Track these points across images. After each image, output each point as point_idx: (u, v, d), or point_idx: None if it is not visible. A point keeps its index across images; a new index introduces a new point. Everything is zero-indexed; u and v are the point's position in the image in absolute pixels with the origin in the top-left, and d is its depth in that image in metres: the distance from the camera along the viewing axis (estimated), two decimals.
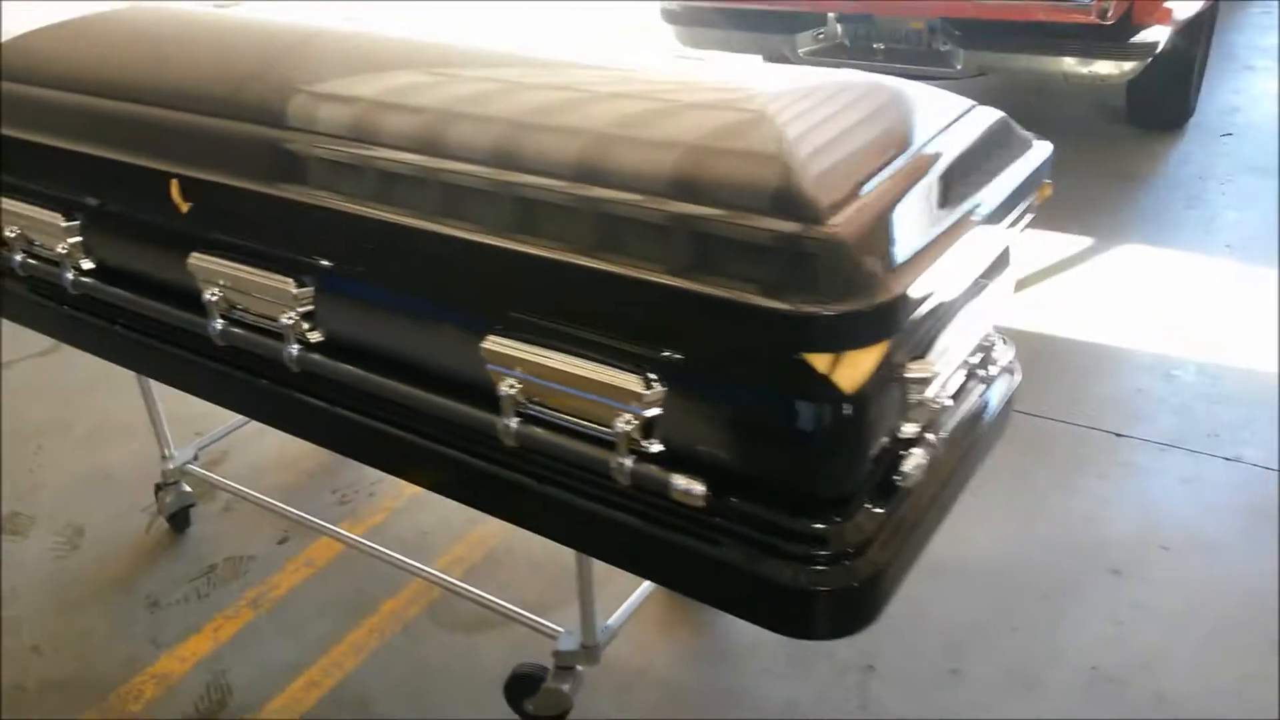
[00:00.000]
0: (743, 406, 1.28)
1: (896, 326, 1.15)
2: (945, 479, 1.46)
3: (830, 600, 1.30)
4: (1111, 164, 4.55)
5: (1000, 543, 2.39)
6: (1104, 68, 3.71)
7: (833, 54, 4.19)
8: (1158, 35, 3.70)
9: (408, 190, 1.43)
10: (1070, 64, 3.75)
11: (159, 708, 2.08)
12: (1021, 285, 3.59)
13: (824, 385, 1.14)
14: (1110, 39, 3.66)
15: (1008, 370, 1.66)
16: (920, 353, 1.33)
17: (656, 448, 1.32)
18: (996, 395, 1.62)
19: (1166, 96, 4.65)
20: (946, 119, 1.43)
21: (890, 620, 2.13)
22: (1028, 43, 3.80)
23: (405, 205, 1.42)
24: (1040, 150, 1.50)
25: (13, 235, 2.05)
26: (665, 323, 1.25)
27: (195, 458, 2.51)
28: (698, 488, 1.29)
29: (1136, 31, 3.67)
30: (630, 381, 1.29)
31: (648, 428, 1.32)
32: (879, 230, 1.18)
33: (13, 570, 2.50)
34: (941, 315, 1.37)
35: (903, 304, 1.14)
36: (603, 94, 1.49)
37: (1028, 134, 1.54)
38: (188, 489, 2.56)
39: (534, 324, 1.37)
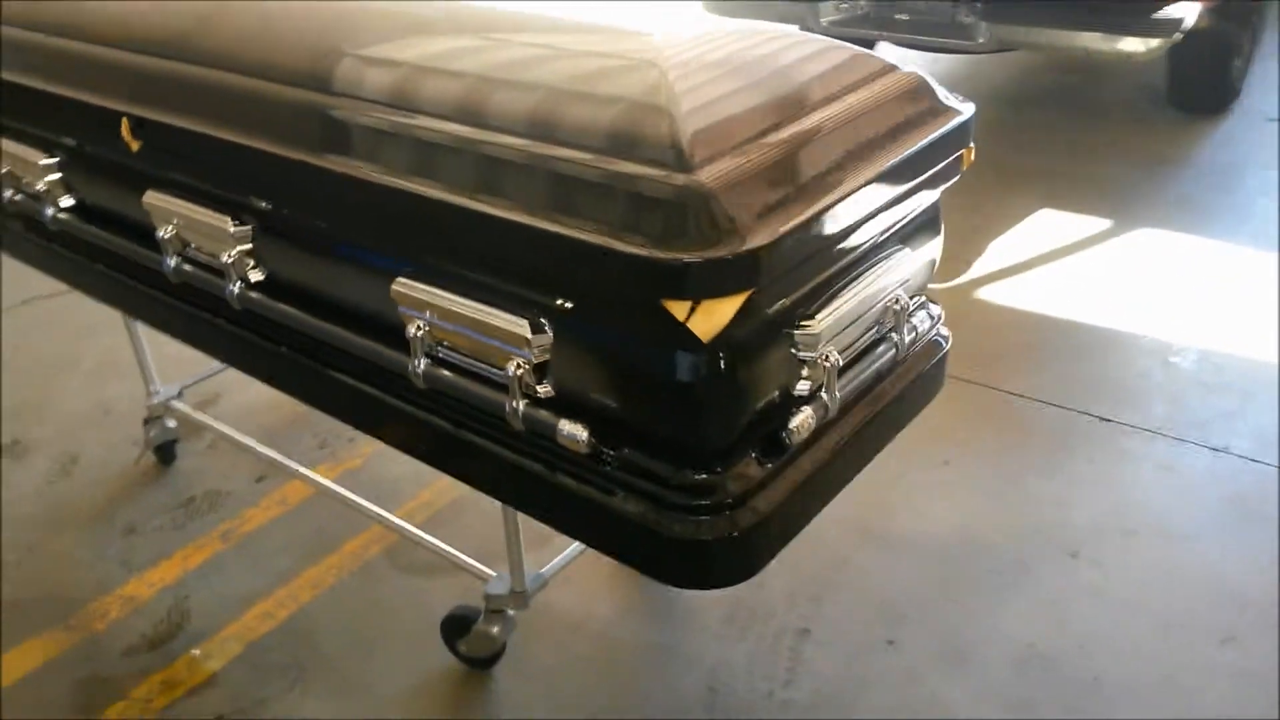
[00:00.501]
0: (622, 355, 1.30)
1: (756, 278, 1.15)
2: (848, 438, 1.46)
3: (711, 549, 1.31)
4: (1147, 147, 4.42)
5: (962, 520, 2.37)
6: (1130, 44, 3.60)
7: (856, 24, 4.13)
8: (1185, 12, 3.57)
9: (318, 131, 1.47)
10: (1094, 39, 3.65)
11: (121, 627, 2.18)
12: (1031, 265, 3.53)
13: (684, 334, 1.15)
14: (1135, 14, 3.55)
15: (936, 337, 1.65)
16: (811, 312, 1.33)
17: (545, 391, 1.35)
18: (919, 359, 1.61)
19: (1207, 78, 4.49)
20: (854, 78, 1.42)
21: (833, 588, 2.16)
22: (1051, 17, 3.70)
23: (315, 146, 1.46)
24: (956, 115, 1.48)
25: (2, 172, 2.14)
26: (548, 268, 1.27)
27: (180, 394, 2.60)
28: (581, 433, 1.31)
29: (1161, 6, 3.55)
30: (519, 325, 1.31)
31: (539, 372, 1.34)
32: (749, 183, 1.18)
33: (7, 490, 2.62)
34: (835, 275, 1.36)
35: (766, 257, 1.14)
36: (502, 39, 1.52)
37: (950, 99, 1.52)
38: (172, 424, 2.65)
39: (439, 268, 1.41)
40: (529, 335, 1.31)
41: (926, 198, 1.53)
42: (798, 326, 1.31)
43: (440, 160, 1.33)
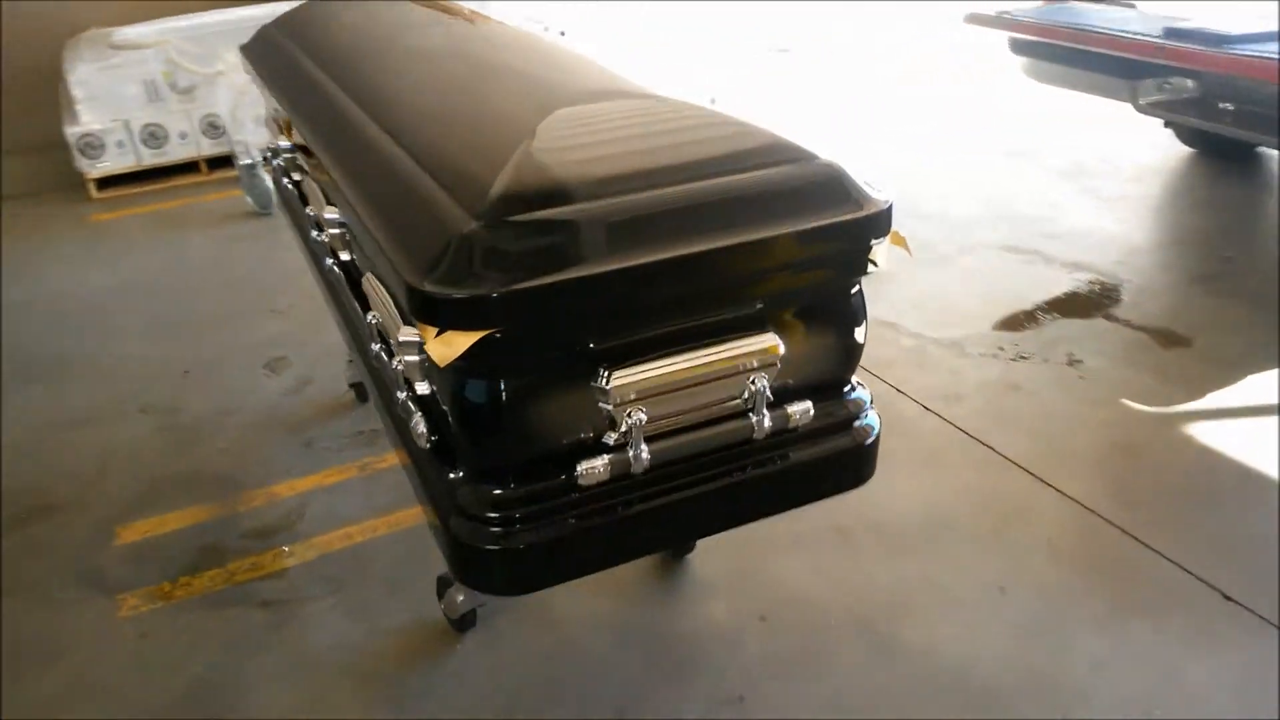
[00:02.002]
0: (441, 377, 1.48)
1: (487, 318, 1.27)
2: (668, 503, 1.51)
3: (488, 556, 1.46)
4: None
5: (970, 652, 2.17)
6: None
7: (1176, 109, 3.72)
8: None
9: None
10: None
11: (254, 514, 2.72)
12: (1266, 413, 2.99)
13: (427, 355, 1.32)
14: None
15: (832, 427, 1.62)
16: (617, 367, 1.41)
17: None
18: (806, 446, 1.60)
19: None
20: (741, 160, 1.46)
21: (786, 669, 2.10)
22: None
23: None
24: (853, 209, 1.45)
25: None
26: None
27: None
28: (421, 428, 1.53)
29: None
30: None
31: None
32: (521, 239, 1.31)
33: (257, 395, 3.32)
34: (659, 340, 1.43)
35: (500, 303, 1.27)
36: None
37: (868, 192, 1.49)
38: None
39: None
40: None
41: (819, 285, 1.53)
42: (598, 376, 1.41)
43: None
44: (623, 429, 1.43)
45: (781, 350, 1.51)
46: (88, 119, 5.24)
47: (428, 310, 1.30)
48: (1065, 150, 5.30)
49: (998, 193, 4.79)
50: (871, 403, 1.71)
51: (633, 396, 1.41)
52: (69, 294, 4.24)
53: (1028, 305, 3.67)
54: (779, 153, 1.50)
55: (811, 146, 1.52)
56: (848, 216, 1.45)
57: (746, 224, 1.41)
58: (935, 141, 5.64)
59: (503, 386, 1.38)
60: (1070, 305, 3.67)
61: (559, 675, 2.15)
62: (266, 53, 2.67)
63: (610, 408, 1.41)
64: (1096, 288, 3.78)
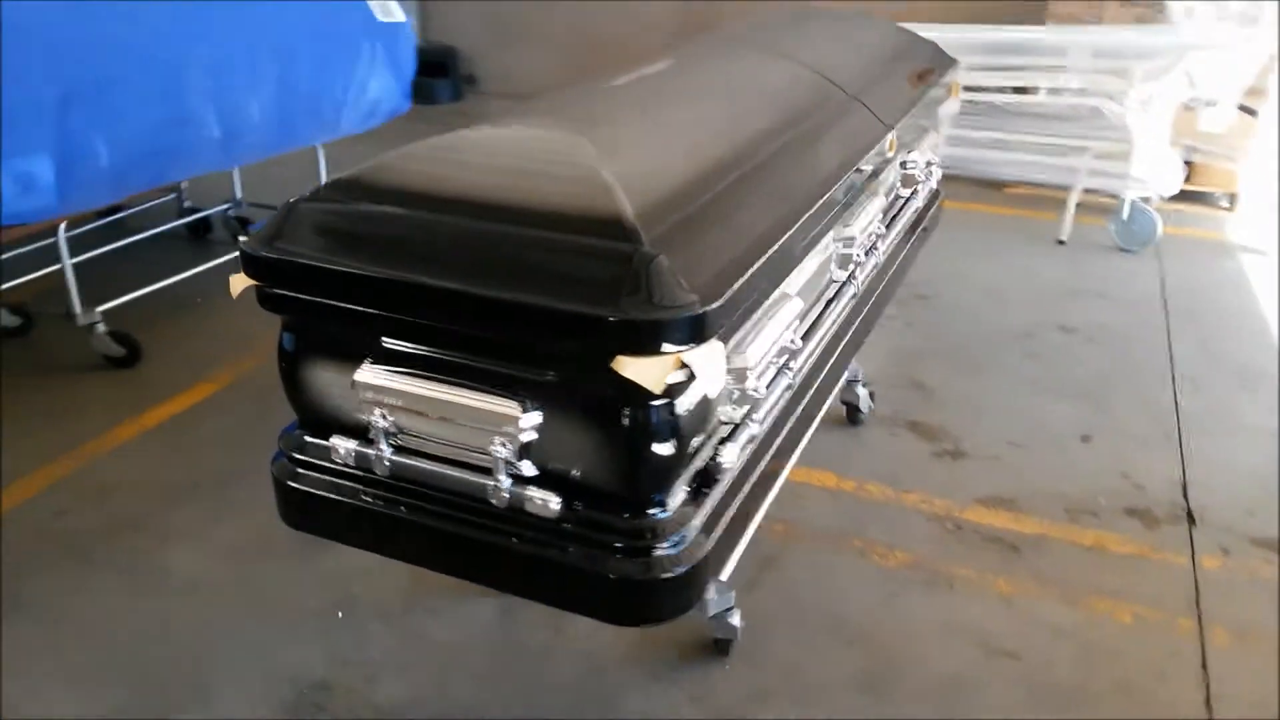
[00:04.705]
0: None
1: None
2: (395, 507, 1.55)
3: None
4: None
5: None
6: None
7: None
8: None
9: None
10: None
11: None
12: None
13: None
14: None
15: (609, 542, 1.43)
16: None
17: None
18: (554, 543, 1.45)
19: None
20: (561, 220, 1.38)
21: None
22: None
23: None
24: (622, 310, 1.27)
25: None
26: None
27: None
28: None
29: None
30: None
31: None
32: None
33: None
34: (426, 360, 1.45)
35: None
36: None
37: (678, 296, 1.28)
38: None
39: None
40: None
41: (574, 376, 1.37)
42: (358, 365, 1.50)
43: None
44: (370, 423, 1.50)
45: (523, 422, 1.39)
46: None
47: None
48: None
49: None
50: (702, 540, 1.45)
51: (370, 395, 1.47)
52: None
53: None
54: (602, 228, 1.35)
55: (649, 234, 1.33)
56: (587, 310, 1.27)
57: (513, 281, 1.34)
58: None
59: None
60: None
61: None
62: None
63: (357, 397, 1.49)
64: None
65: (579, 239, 1.35)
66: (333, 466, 1.58)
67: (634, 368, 1.30)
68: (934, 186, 2.92)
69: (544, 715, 2.05)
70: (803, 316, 1.91)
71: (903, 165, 2.67)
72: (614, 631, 2.26)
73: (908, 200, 2.67)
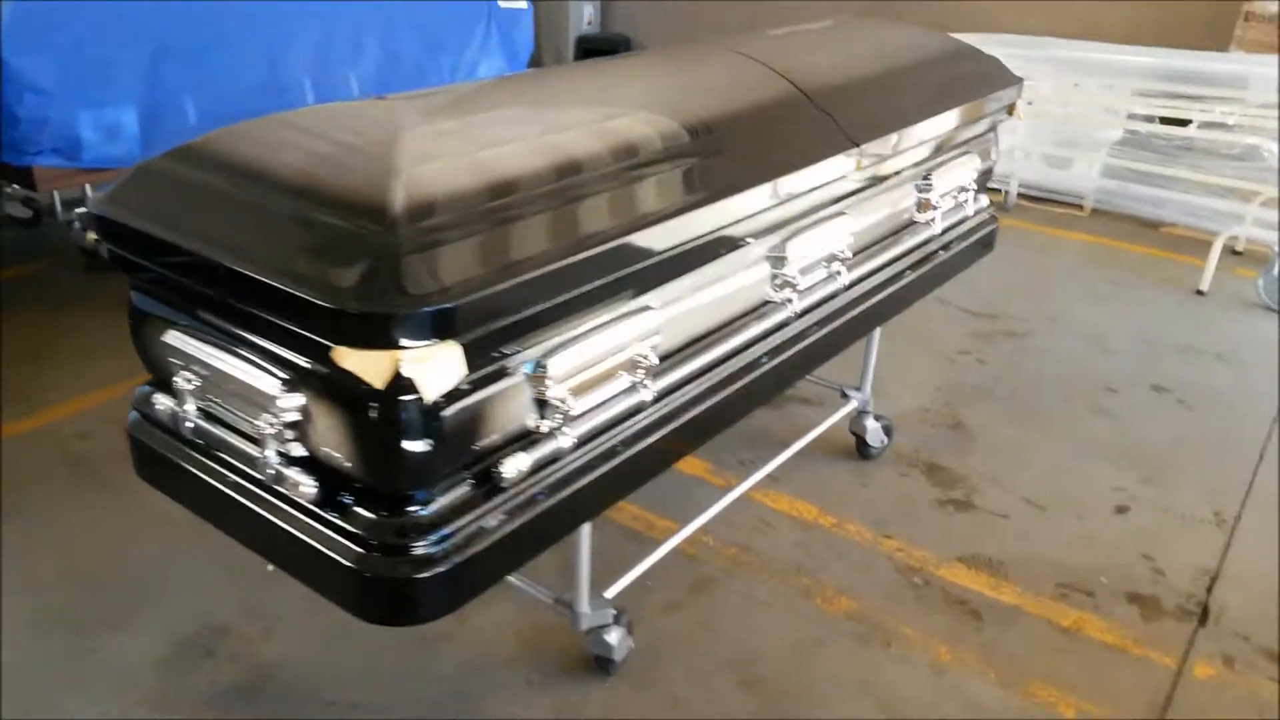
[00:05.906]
0: None
1: None
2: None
3: None
4: None
5: None
6: None
7: None
8: None
9: None
10: None
11: None
12: None
13: None
14: None
15: (360, 535, 1.43)
16: None
17: None
18: (306, 525, 1.46)
19: None
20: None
21: None
22: None
23: None
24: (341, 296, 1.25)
25: None
26: None
27: None
28: None
29: None
30: None
31: None
32: None
33: None
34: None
35: None
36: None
37: (417, 285, 1.25)
38: None
39: None
40: None
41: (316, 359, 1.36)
42: None
43: None
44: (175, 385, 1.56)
45: (282, 402, 1.40)
46: None
47: None
48: None
49: None
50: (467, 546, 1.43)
51: (176, 359, 1.53)
52: None
53: None
54: (360, 213, 1.34)
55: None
56: (311, 297, 1.26)
57: (273, 259, 1.35)
58: None
59: None
60: None
61: None
62: None
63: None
64: None
65: (339, 221, 1.34)
66: (168, 425, 1.65)
67: (354, 360, 1.28)
68: (968, 213, 2.70)
69: (403, 700, 2.06)
70: (708, 334, 1.83)
71: (918, 188, 2.49)
72: (514, 629, 2.25)
73: (917, 226, 2.48)
